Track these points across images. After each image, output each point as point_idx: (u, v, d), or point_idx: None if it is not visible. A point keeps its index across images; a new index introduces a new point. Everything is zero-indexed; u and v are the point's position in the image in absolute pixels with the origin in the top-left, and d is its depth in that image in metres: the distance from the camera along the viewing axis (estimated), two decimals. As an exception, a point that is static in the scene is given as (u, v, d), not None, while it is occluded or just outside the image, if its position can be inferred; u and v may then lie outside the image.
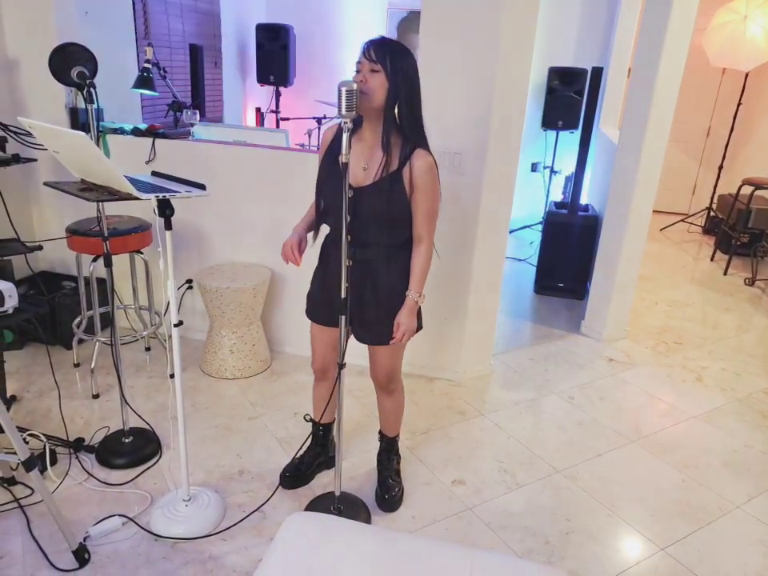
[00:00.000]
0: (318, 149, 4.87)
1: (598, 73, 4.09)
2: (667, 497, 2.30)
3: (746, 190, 4.87)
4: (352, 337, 2.02)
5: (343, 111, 1.58)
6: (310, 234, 1.99)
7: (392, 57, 1.66)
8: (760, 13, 4.91)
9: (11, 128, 2.56)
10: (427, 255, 1.86)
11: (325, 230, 1.97)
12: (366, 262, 1.86)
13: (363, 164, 1.78)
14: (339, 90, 1.56)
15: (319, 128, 5.00)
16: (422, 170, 1.74)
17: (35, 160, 2.73)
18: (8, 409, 2.55)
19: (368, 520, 2.08)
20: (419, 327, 1.97)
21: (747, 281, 4.76)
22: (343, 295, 1.78)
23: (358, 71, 1.70)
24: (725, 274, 4.94)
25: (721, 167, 5.81)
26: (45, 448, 2.20)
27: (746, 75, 5.44)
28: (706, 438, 2.70)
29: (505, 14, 2.46)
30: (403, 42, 6.11)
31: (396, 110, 1.73)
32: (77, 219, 2.80)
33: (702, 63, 5.71)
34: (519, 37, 2.54)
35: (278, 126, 5.40)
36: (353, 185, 1.77)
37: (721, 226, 5.40)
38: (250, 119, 5.75)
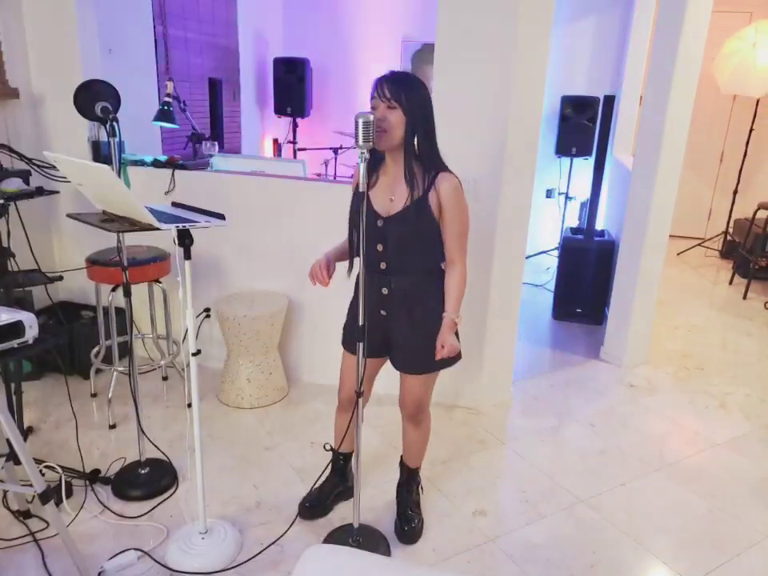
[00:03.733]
0: (334, 178, 4.96)
1: (610, 101, 4.12)
2: (694, 527, 2.24)
3: (762, 213, 4.84)
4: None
5: (360, 142, 1.60)
6: (341, 263, 2.01)
7: (406, 91, 1.71)
8: (770, 39, 4.93)
9: (35, 161, 2.61)
10: (462, 277, 1.87)
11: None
12: (402, 290, 1.88)
13: (390, 195, 1.82)
14: (356, 122, 1.58)
15: (336, 158, 5.06)
16: (448, 190, 1.77)
17: (58, 192, 2.79)
18: (24, 440, 2.55)
19: (387, 553, 2.03)
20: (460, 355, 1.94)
21: (767, 305, 4.69)
22: (361, 322, 1.77)
23: (373, 108, 1.73)
24: (744, 298, 4.88)
25: (735, 192, 5.79)
26: (61, 480, 2.19)
27: (757, 101, 5.45)
28: (732, 466, 2.63)
29: (517, 44, 2.49)
30: (418, 73, 6.18)
31: (415, 142, 1.77)
32: (96, 249, 2.84)
33: (712, 90, 5.73)
34: (532, 66, 2.57)
35: (295, 156, 5.48)
36: (382, 215, 1.82)
37: (738, 250, 5.35)
38: (268, 150, 5.84)
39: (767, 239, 4.96)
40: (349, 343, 2.05)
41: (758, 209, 4.87)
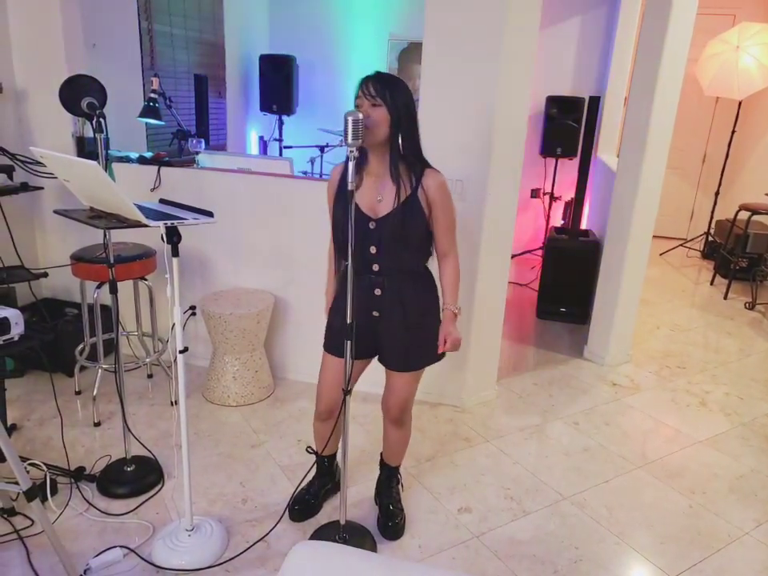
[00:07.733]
0: (320, 176, 4.95)
1: (595, 102, 4.16)
2: (675, 523, 2.28)
3: (743, 215, 4.91)
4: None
5: (349, 140, 1.60)
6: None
7: (390, 89, 1.72)
8: (752, 43, 5.02)
9: (18, 157, 2.58)
10: (456, 267, 1.94)
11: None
12: (395, 290, 1.89)
13: (378, 196, 1.82)
14: (345, 120, 1.58)
15: (322, 156, 5.05)
16: (436, 187, 1.80)
17: (42, 188, 2.76)
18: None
19: (374, 549, 2.05)
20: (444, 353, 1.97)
21: (747, 305, 4.78)
22: (349, 320, 1.78)
23: (357, 106, 1.74)
24: (725, 298, 4.96)
25: (717, 193, 5.87)
26: (45, 477, 2.18)
27: (740, 104, 5.53)
28: (712, 463, 2.68)
29: (504, 44, 2.51)
30: (404, 72, 6.16)
31: (399, 140, 1.77)
32: (80, 246, 2.82)
33: (696, 92, 5.81)
34: (519, 66, 2.59)
35: (281, 153, 5.46)
36: (372, 217, 1.82)
37: (719, 250, 5.43)
38: (254, 147, 5.81)
39: (748, 240, 5.04)
40: (334, 347, 1.99)
41: (739, 210, 4.94)
